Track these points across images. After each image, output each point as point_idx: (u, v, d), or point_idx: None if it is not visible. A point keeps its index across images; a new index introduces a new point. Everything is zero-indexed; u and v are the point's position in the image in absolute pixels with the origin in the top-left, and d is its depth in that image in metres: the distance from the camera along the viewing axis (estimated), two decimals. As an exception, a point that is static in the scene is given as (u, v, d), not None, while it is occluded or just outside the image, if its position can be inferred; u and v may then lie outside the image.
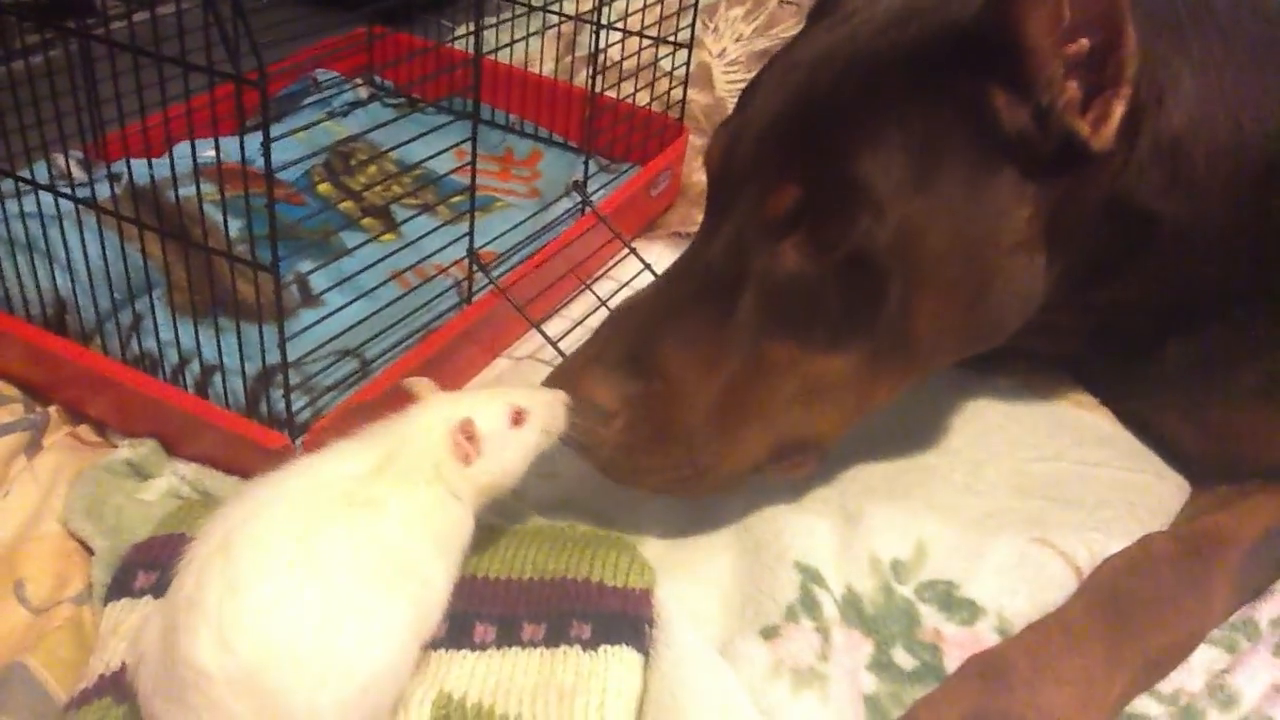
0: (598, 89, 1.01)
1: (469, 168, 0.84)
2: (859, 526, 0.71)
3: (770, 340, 0.66)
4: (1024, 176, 0.63)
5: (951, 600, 0.67)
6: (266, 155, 0.62)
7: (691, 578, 0.70)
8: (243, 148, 0.71)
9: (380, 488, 0.60)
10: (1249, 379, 0.74)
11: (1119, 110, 0.62)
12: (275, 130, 0.63)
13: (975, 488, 0.75)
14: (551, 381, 0.69)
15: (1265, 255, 0.70)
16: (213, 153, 0.81)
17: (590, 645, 0.63)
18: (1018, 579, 0.67)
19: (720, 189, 0.70)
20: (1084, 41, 0.60)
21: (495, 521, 0.73)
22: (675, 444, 0.68)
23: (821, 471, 0.77)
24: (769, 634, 0.64)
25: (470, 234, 0.85)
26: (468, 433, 0.63)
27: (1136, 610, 0.64)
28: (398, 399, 0.66)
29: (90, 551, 0.72)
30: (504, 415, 0.64)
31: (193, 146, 0.75)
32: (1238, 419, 0.76)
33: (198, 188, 0.69)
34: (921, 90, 0.63)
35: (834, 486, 0.76)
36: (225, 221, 0.73)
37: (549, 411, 0.66)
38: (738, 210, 0.67)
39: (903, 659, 0.64)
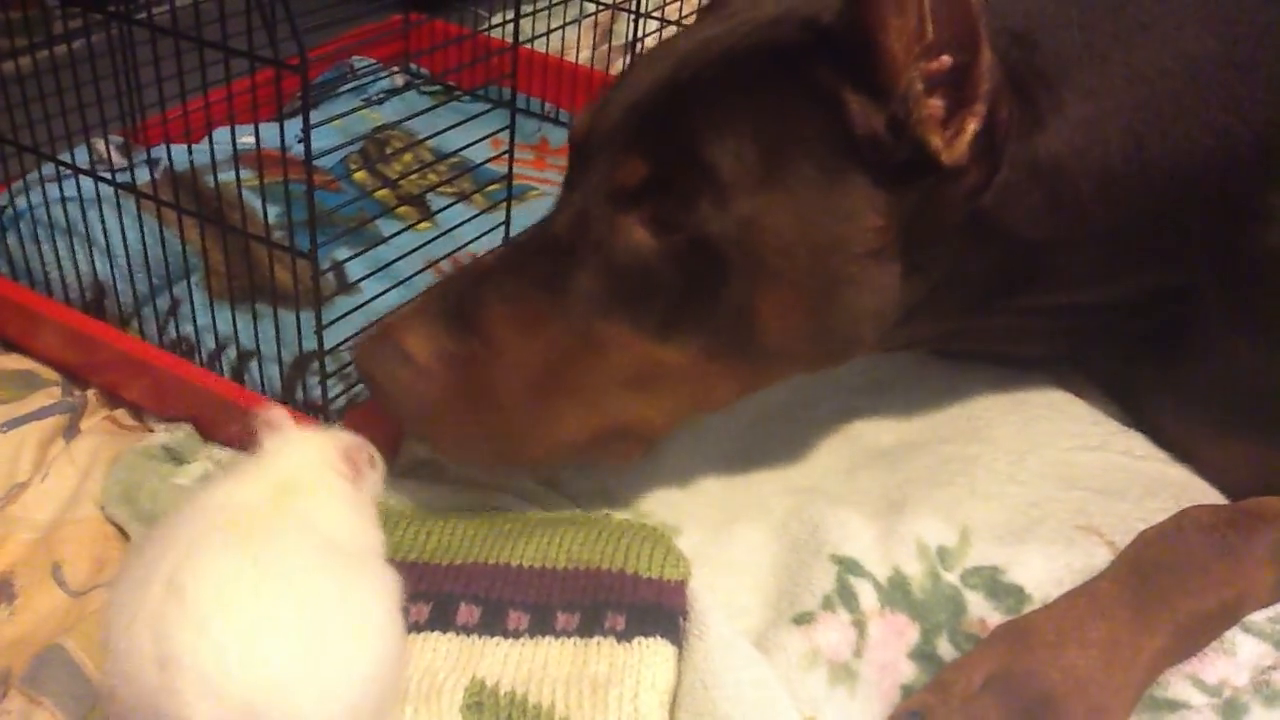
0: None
1: (505, 157, 0.84)
2: (903, 513, 0.70)
3: (603, 318, 0.65)
4: (875, 184, 0.62)
5: (998, 586, 0.65)
6: (306, 142, 0.62)
7: (727, 570, 0.69)
8: (282, 134, 0.71)
9: (296, 498, 0.60)
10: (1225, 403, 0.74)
11: (971, 127, 0.61)
12: (313, 117, 0.62)
13: (1018, 477, 0.74)
14: (369, 332, 0.68)
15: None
16: (252, 139, 0.82)
17: (624, 637, 0.62)
18: (1064, 566, 0.66)
19: (577, 160, 0.69)
20: (945, 59, 0.59)
21: (529, 509, 0.73)
22: (487, 410, 0.66)
23: (861, 461, 0.76)
24: (803, 620, 0.63)
25: (507, 223, 0.85)
26: (356, 459, 0.64)
27: (1163, 576, 0.63)
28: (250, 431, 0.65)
29: (127, 537, 0.73)
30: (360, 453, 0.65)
31: (232, 132, 0.75)
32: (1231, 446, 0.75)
33: (237, 173, 0.69)
34: (780, 84, 0.62)
35: (875, 475, 0.75)
36: (264, 208, 0.73)
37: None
38: (588, 181, 0.66)
39: (945, 649, 0.63)
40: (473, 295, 0.66)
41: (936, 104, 0.61)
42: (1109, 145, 0.67)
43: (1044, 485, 0.73)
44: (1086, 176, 0.67)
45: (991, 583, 0.66)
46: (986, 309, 0.72)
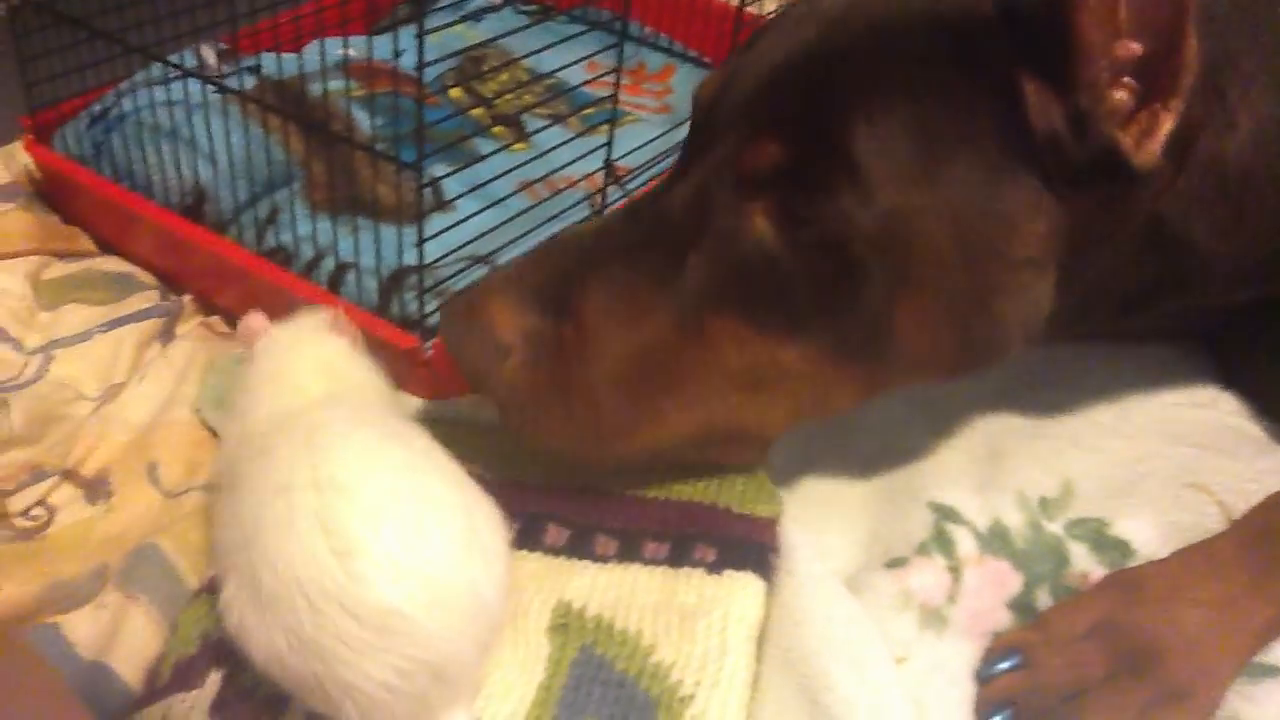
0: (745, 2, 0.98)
1: (602, 80, 0.82)
2: (1003, 463, 0.68)
3: (715, 312, 0.59)
4: (1045, 186, 0.55)
5: (1103, 539, 0.64)
6: (420, 54, 0.61)
7: (818, 510, 0.68)
8: (370, 48, 0.70)
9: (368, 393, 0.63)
10: None
11: (1167, 125, 0.53)
12: (410, 32, 0.61)
13: (1122, 430, 0.71)
14: (459, 300, 0.63)
15: None
16: (343, 51, 0.81)
17: (714, 569, 0.62)
18: (1171, 524, 0.64)
19: (701, 132, 0.62)
20: (1135, 46, 0.52)
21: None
22: (580, 403, 0.60)
23: (959, 410, 0.74)
24: (896, 564, 0.62)
25: (609, 145, 0.83)
26: (340, 322, 0.66)
27: None
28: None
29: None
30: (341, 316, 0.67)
31: (322, 45, 0.75)
32: None
33: (347, 83, 0.69)
34: (945, 65, 0.54)
35: (974, 424, 0.73)
36: (372, 120, 0.72)
37: None
38: (711, 158, 0.59)
39: (1045, 602, 0.61)
40: (571, 275, 0.61)
41: (1123, 97, 0.54)
42: None
43: (1149, 440, 0.71)
44: (1275, 182, 0.59)
45: (1097, 535, 0.64)
46: (1128, 314, 0.66)
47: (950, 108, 0.54)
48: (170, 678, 0.58)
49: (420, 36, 0.60)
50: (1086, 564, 0.63)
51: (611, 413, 0.61)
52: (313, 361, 0.63)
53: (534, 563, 0.63)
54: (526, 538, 0.64)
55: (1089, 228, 0.57)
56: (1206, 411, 0.73)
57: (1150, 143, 0.54)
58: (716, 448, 0.64)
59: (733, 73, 0.61)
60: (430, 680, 0.51)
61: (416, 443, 0.58)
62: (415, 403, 0.73)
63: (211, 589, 0.60)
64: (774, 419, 0.62)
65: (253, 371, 0.64)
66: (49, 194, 0.93)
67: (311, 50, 0.89)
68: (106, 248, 0.90)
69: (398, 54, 0.62)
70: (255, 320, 0.66)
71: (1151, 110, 0.53)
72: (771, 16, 0.64)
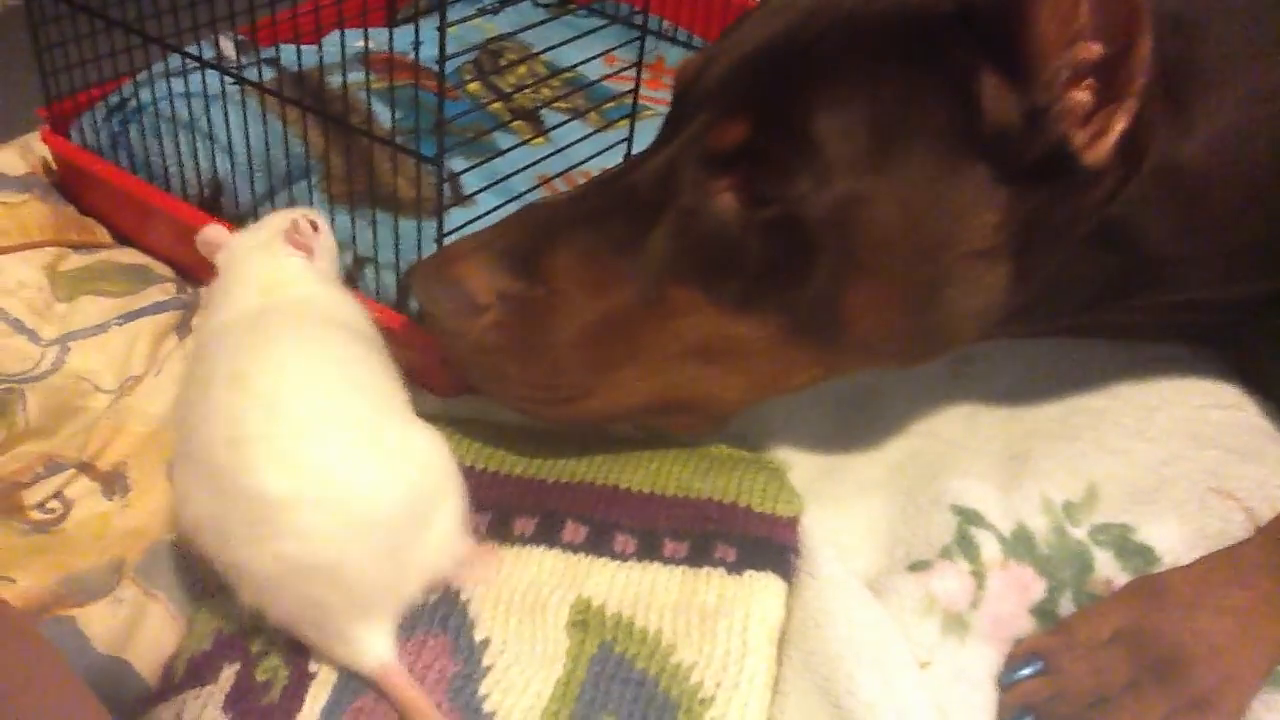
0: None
1: (621, 74, 0.81)
2: (1026, 466, 0.67)
3: (676, 282, 0.60)
4: (997, 179, 0.56)
5: (1128, 545, 0.63)
6: (442, 47, 0.61)
7: (839, 511, 0.67)
8: (390, 40, 0.70)
9: (305, 306, 0.63)
10: None
11: (1119, 125, 0.54)
12: (429, 24, 0.61)
13: (1147, 433, 0.70)
14: (431, 260, 0.64)
15: None
16: (362, 43, 0.80)
17: (735, 569, 0.61)
18: (1196, 530, 0.63)
19: (677, 112, 0.64)
20: (1095, 47, 0.53)
21: (637, 435, 0.72)
22: (541, 360, 0.63)
23: (982, 412, 0.73)
24: (919, 567, 0.62)
25: (629, 140, 0.83)
26: (300, 229, 0.66)
27: None
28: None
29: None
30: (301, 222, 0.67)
31: (341, 36, 0.74)
32: None
33: (367, 74, 0.68)
34: (906, 58, 0.56)
35: (998, 427, 0.72)
36: (394, 113, 0.72)
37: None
38: (682, 136, 0.61)
39: (1067, 608, 0.61)
40: (541, 239, 0.63)
41: (1082, 96, 0.54)
42: (1258, 158, 0.60)
43: (1174, 443, 0.70)
44: (1230, 190, 0.60)
45: (1122, 541, 0.63)
46: (1094, 310, 0.67)
47: (908, 99, 0.56)
48: (185, 673, 0.58)
49: (442, 29, 0.60)
50: (1110, 570, 0.62)
51: (573, 374, 0.63)
52: (257, 276, 0.65)
53: (552, 559, 0.63)
54: (544, 534, 0.64)
55: (1041, 223, 0.58)
56: (1232, 413, 0.72)
57: (1102, 143, 0.55)
58: (671, 416, 0.66)
59: (712, 56, 0.63)
60: (323, 583, 0.53)
61: (339, 353, 0.60)
62: (433, 401, 0.73)
63: (225, 586, 0.60)
64: (729, 393, 0.65)
65: (215, 282, 0.67)
66: (66, 185, 0.92)
67: (331, 42, 0.89)
68: (123, 239, 0.90)
69: (417, 46, 0.62)
70: (212, 232, 0.68)
71: (1108, 111, 0.55)
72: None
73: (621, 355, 0.63)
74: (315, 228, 0.67)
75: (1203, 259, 0.64)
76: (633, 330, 0.62)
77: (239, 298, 0.64)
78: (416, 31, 0.60)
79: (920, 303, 0.59)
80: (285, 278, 0.65)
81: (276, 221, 0.67)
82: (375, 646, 0.55)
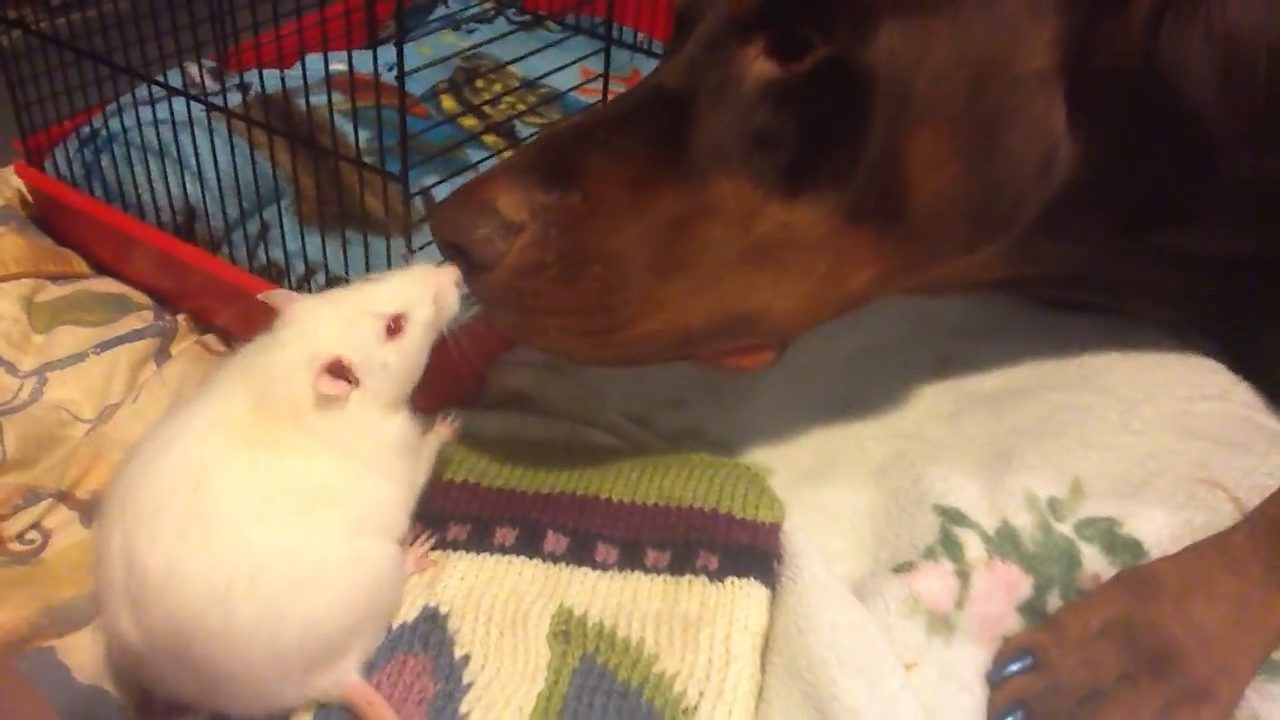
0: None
1: (594, 86, 0.81)
2: (1010, 463, 0.66)
3: (719, 174, 0.56)
4: None
5: (1115, 540, 0.62)
6: (400, 65, 0.61)
7: (822, 515, 0.67)
8: (375, 60, 0.70)
9: (271, 426, 0.55)
10: None
11: None
12: (411, 44, 0.61)
13: (1132, 427, 0.69)
14: (456, 192, 0.58)
15: None
16: (343, 65, 0.80)
17: (717, 576, 0.61)
18: (1184, 522, 0.62)
19: (685, 20, 0.60)
20: None
21: (618, 444, 0.72)
22: (584, 276, 0.56)
23: (964, 407, 0.73)
24: (903, 569, 0.61)
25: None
26: (335, 373, 0.55)
27: None
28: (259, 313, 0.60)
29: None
30: (375, 332, 0.57)
31: (325, 58, 0.74)
32: None
33: (329, 97, 0.68)
34: None
35: (981, 426, 0.71)
36: (356, 132, 0.71)
37: (428, 300, 0.58)
38: (703, 23, 0.57)
39: (1055, 605, 0.60)
40: (572, 148, 0.57)
41: None
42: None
43: (1161, 436, 0.69)
44: (1261, 56, 0.57)
45: (1108, 535, 0.62)
46: (1130, 241, 0.65)
47: None
48: (166, 703, 0.57)
49: (399, 45, 0.59)
50: (1098, 565, 0.61)
51: (620, 290, 0.57)
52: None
53: (533, 569, 0.63)
54: (525, 544, 0.64)
55: (1089, 46, 0.55)
56: (1218, 404, 0.71)
57: None
58: (729, 340, 0.61)
59: None
60: (266, 663, 0.52)
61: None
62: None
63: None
64: (788, 302, 0.59)
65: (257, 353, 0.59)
66: (42, 217, 0.92)
67: (309, 64, 0.89)
68: (100, 269, 0.90)
69: (391, 66, 0.61)
70: (281, 297, 0.61)
71: None
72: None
73: (669, 264, 0.57)
74: (398, 325, 0.58)
75: (1241, 126, 0.59)
76: (679, 233, 0.57)
77: (235, 395, 0.57)
78: (375, 58, 0.60)
79: (983, 150, 0.56)
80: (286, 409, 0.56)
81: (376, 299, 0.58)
82: (338, 676, 0.55)
